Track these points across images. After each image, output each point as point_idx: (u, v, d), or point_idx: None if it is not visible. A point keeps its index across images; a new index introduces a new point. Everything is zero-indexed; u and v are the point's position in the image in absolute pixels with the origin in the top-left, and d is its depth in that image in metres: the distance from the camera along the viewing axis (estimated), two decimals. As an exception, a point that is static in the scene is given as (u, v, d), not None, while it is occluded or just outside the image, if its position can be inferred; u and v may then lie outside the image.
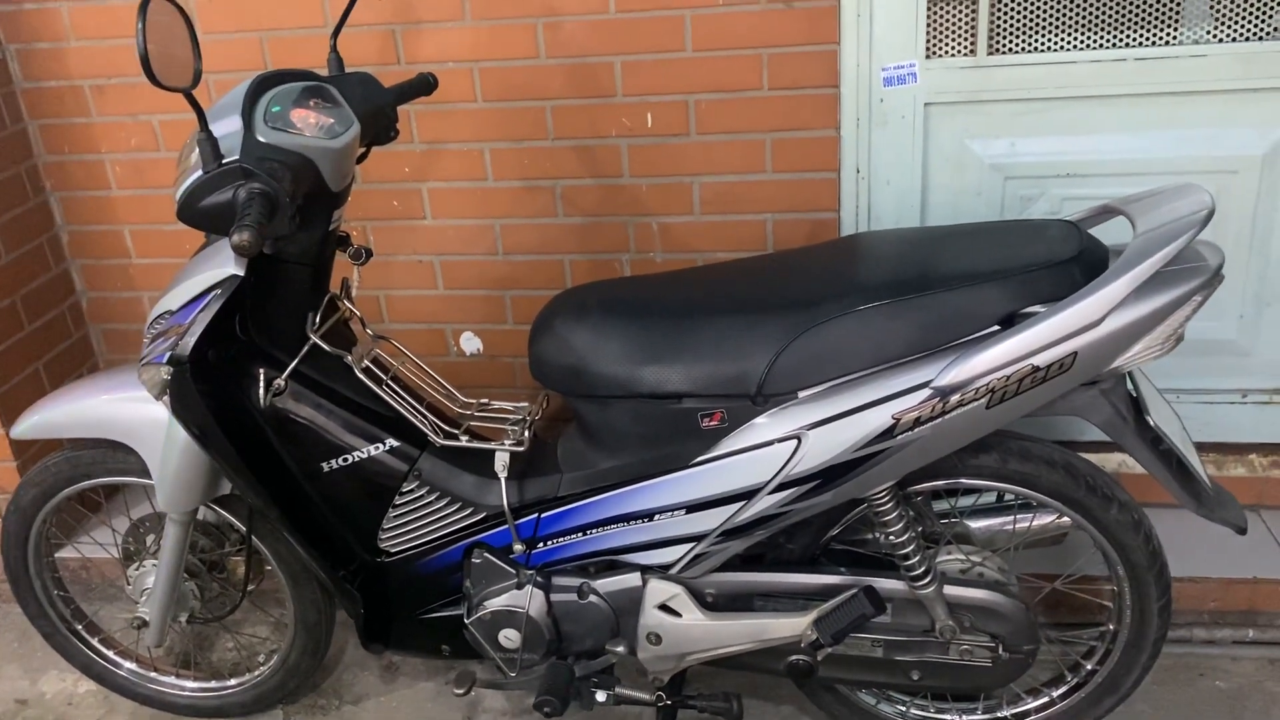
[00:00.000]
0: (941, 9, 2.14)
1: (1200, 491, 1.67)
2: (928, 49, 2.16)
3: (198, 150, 1.56)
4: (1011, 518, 1.82)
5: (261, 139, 1.57)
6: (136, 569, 2.10)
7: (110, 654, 2.28)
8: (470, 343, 2.60)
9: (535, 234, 2.45)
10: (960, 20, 2.14)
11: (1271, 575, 2.16)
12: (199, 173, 1.57)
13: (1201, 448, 2.33)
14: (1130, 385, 1.68)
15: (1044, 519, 1.81)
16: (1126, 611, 1.82)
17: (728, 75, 2.22)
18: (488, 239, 2.48)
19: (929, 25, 2.14)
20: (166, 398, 1.74)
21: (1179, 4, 2.06)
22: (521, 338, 2.50)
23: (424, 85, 1.94)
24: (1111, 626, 1.87)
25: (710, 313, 1.67)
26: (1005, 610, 1.76)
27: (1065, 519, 1.78)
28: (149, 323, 1.75)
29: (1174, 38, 2.08)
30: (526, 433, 1.85)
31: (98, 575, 2.61)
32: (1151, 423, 1.63)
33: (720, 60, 2.21)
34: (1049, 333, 1.49)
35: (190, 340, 1.66)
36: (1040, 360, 1.50)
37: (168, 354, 1.68)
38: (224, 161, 1.55)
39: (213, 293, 1.66)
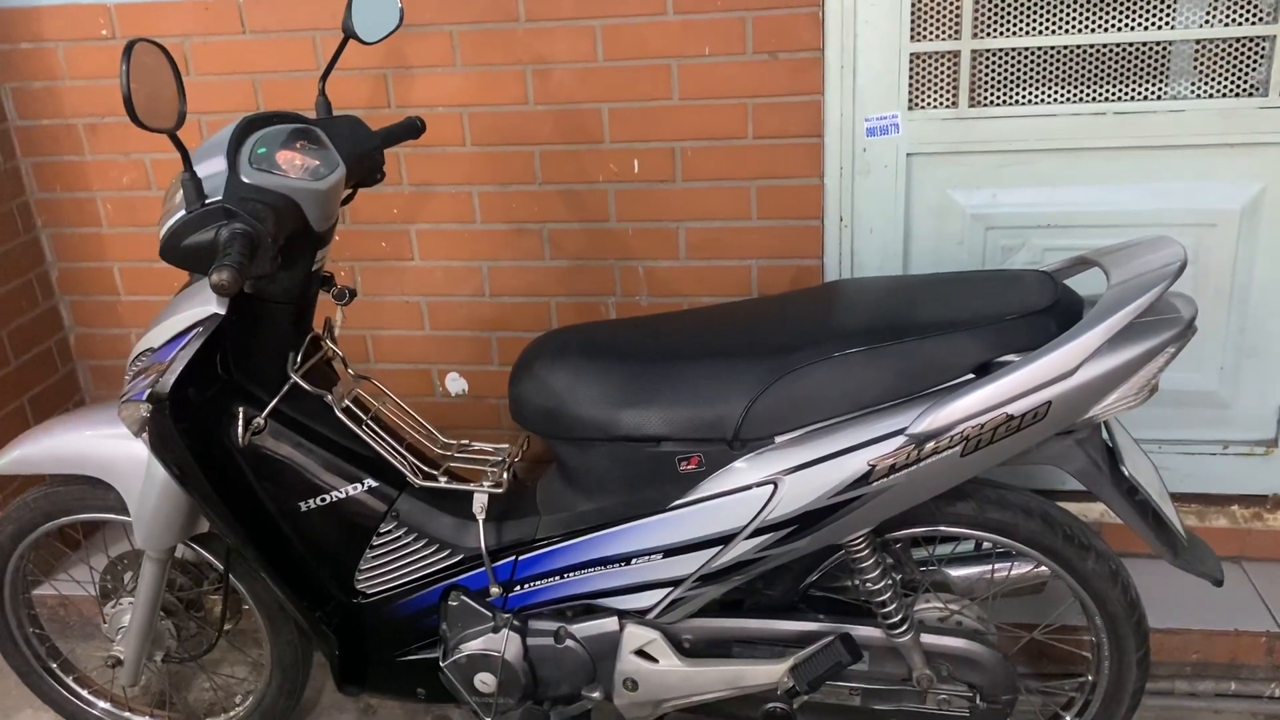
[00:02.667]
0: (924, 62, 2.17)
1: (1176, 542, 1.67)
2: (910, 100, 2.19)
3: (181, 190, 1.58)
4: (990, 566, 1.81)
5: (246, 180, 1.58)
6: (113, 606, 2.08)
7: (84, 693, 2.26)
8: (455, 383, 2.61)
9: (522, 276, 2.47)
10: (942, 73, 2.17)
11: (1254, 628, 2.15)
12: (182, 212, 1.58)
13: (1183, 499, 2.34)
14: (1106, 435, 1.68)
15: (1022, 568, 1.80)
16: (1105, 662, 1.81)
17: (714, 124, 2.25)
18: (475, 281, 2.49)
19: (911, 77, 2.18)
20: (146, 435, 1.74)
21: (1160, 60, 2.10)
22: (507, 379, 2.50)
23: (411, 129, 1.96)
24: (1091, 677, 1.86)
25: (689, 357, 1.68)
26: (983, 659, 1.76)
27: (1043, 568, 1.77)
28: (131, 359, 1.76)
29: (1153, 93, 2.12)
30: (505, 474, 1.85)
31: (75, 613, 2.59)
32: (1126, 473, 1.63)
33: (706, 109, 2.24)
34: (1023, 382, 1.50)
35: (170, 378, 1.67)
36: (1014, 409, 1.51)
37: (147, 391, 1.68)
38: (207, 202, 1.56)
39: (194, 331, 1.67)
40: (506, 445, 1.93)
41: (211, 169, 1.59)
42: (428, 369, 2.61)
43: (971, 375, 1.56)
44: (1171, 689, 2.20)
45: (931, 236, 2.28)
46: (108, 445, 1.91)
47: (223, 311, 1.65)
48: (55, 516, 2.04)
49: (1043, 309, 1.59)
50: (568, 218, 2.40)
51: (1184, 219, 2.17)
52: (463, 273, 2.49)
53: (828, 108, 2.21)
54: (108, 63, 2.43)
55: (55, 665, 2.25)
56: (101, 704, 2.25)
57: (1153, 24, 2.07)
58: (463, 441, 1.95)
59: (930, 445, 1.54)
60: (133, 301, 2.67)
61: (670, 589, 1.74)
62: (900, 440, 1.55)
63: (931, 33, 2.15)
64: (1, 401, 2.51)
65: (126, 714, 2.26)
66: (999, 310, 1.59)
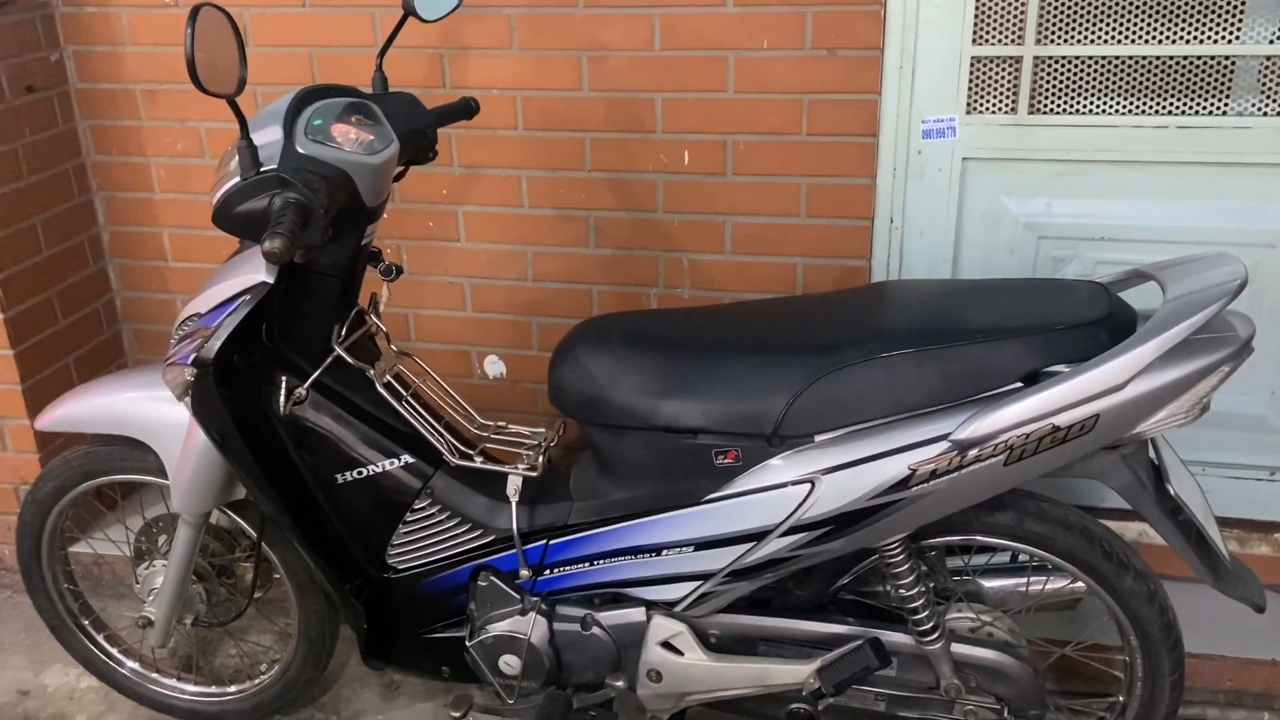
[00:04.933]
0: (985, 65, 2.14)
1: (1219, 566, 1.64)
2: (968, 104, 2.16)
3: (237, 157, 1.59)
4: (1025, 579, 1.79)
5: (301, 150, 1.59)
6: (146, 568, 2.11)
7: (114, 651, 2.29)
8: (494, 366, 2.61)
9: (565, 263, 2.47)
10: (1003, 78, 2.14)
11: (1291, 659, 2.11)
12: (236, 179, 1.59)
13: (1225, 523, 2.29)
14: (1152, 452, 1.65)
15: (1058, 583, 1.78)
16: (1138, 683, 1.78)
17: (767, 118, 2.24)
18: (518, 265, 2.49)
19: (971, 81, 2.15)
20: (188, 399, 1.76)
21: (1226, 75, 2.06)
22: (545, 364, 2.50)
23: (465, 109, 1.96)
24: (1121, 698, 1.83)
25: (731, 350, 1.67)
26: (1013, 672, 1.74)
27: (1079, 584, 1.75)
28: (177, 324, 1.77)
29: (1218, 108, 2.07)
30: (541, 458, 1.84)
31: (108, 572, 2.62)
32: (1172, 491, 1.60)
33: (761, 103, 2.23)
34: (1072, 393, 1.47)
35: (216, 344, 1.68)
36: (1061, 420, 1.48)
37: (193, 355, 1.70)
38: (262, 169, 1.57)
39: (241, 298, 1.68)
40: (543, 429, 1.93)
41: (267, 138, 1.60)
42: (467, 350, 2.62)
43: (1019, 384, 1.54)
44: (1203, 715, 2.16)
45: (982, 243, 2.25)
46: (149, 408, 1.93)
47: (271, 280, 1.67)
48: (95, 476, 2.07)
49: (1095, 320, 1.56)
50: (614, 206, 2.39)
51: (1243, 238, 2.12)
52: (507, 256, 2.49)
53: (884, 107, 2.19)
54: (168, 30, 2.46)
55: (87, 622, 2.28)
56: (130, 663, 2.28)
57: (1220, 37, 2.03)
58: (500, 423, 1.95)
59: (973, 452, 1.52)
60: (180, 267, 2.69)
61: (700, 583, 1.73)
62: (943, 446, 1.53)
63: (994, 37, 2.12)
64: (48, 360, 2.55)
65: (154, 675, 2.29)
66: (1050, 319, 1.57)
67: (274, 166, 1.57)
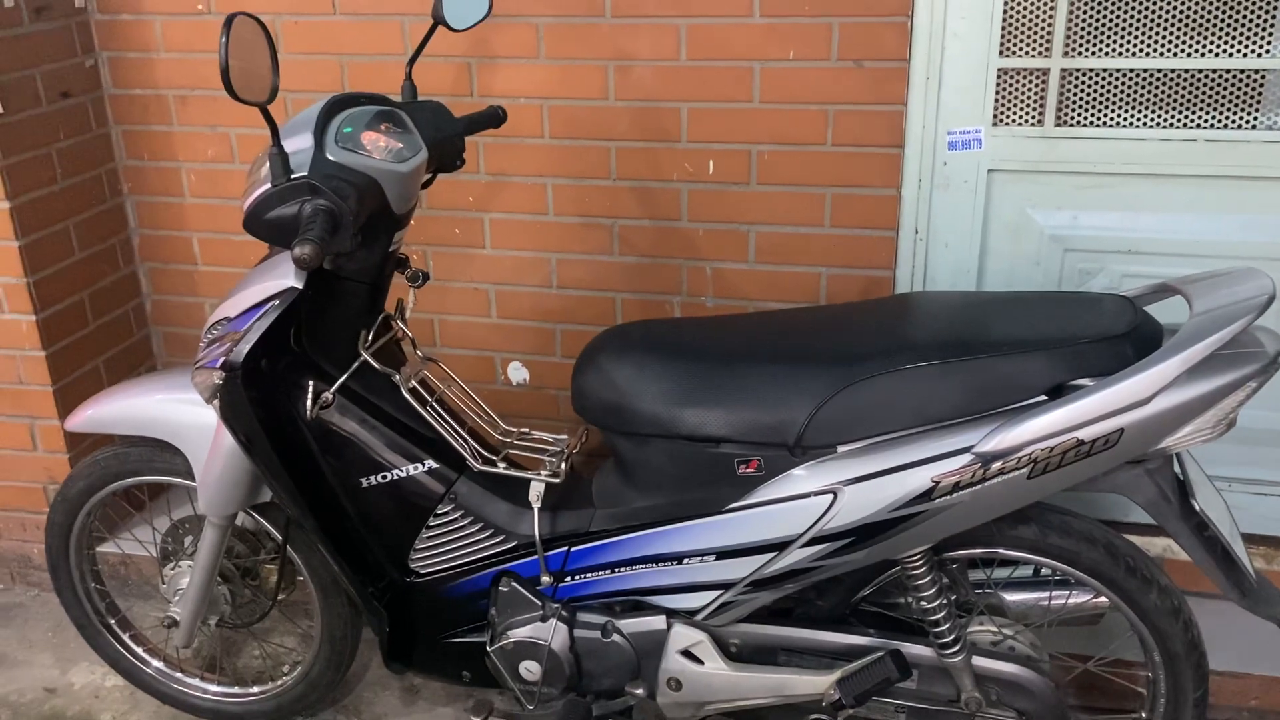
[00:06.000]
0: (1011, 78, 2.14)
1: (1244, 583, 1.62)
2: (995, 116, 2.16)
3: (268, 164, 1.61)
4: (1047, 593, 1.78)
5: (331, 158, 1.61)
6: (172, 569, 2.13)
7: (139, 651, 2.31)
8: (517, 372, 2.63)
9: (590, 270, 2.48)
10: (1030, 90, 2.14)
11: (1317, 677, 2.09)
12: (267, 185, 1.61)
13: (1251, 540, 2.28)
14: (1178, 467, 1.64)
15: (1080, 597, 1.77)
16: (1161, 700, 1.77)
17: (792, 128, 2.24)
18: (543, 272, 2.51)
19: (998, 93, 2.14)
20: (217, 402, 1.78)
21: (1256, 89, 2.04)
22: (568, 371, 2.50)
23: (493, 118, 1.97)
24: (1144, 715, 1.82)
25: (755, 359, 1.68)
26: (1034, 687, 1.73)
27: (1102, 599, 1.74)
28: (206, 327, 1.80)
29: (1247, 122, 2.06)
30: (563, 465, 1.85)
31: (135, 572, 2.65)
32: (1197, 507, 1.59)
33: (786, 113, 2.23)
34: (1097, 407, 1.47)
35: (245, 347, 1.70)
36: (1086, 434, 1.48)
37: (222, 359, 1.72)
38: (293, 176, 1.59)
39: (271, 303, 1.70)
40: (565, 436, 1.94)
41: (298, 145, 1.62)
42: (491, 356, 2.63)
43: (1044, 396, 1.53)
44: (1227, 733, 2.15)
45: (1007, 255, 2.25)
46: (178, 410, 1.96)
47: (300, 286, 1.68)
48: (123, 477, 2.10)
49: (1121, 334, 1.55)
50: (639, 214, 2.40)
51: (1271, 253, 2.10)
52: (532, 263, 2.51)
53: (910, 119, 2.19)
54: (200, 37, 2.49)
55: (113, 621, 2.31)
56: (155, 663, 2.31)
57: (1250, 51, 2.02)
58: (523, 430, 1.96)
59: (997, 465, 1.51)
60: (209, 271, 2.72)
61: (721, 592, 1.74)
62: (967, 458, 1.52)
63: (1021, 49, 2.11)
64: (78, 361, 2.58)
65: (178, 675, 2.31)
66: (1075, 332, 1.56)
67: (305, 174, 1.59)
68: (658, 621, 1.79)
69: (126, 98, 2.60)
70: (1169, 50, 2.05)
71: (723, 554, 1.71)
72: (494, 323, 2.59)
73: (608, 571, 1.81)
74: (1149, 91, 2.10)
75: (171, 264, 2.75)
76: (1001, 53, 2.12)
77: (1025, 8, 2.09)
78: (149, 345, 2.84)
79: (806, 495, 1.62)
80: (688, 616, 1.78)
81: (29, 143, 2.39)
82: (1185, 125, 2.09)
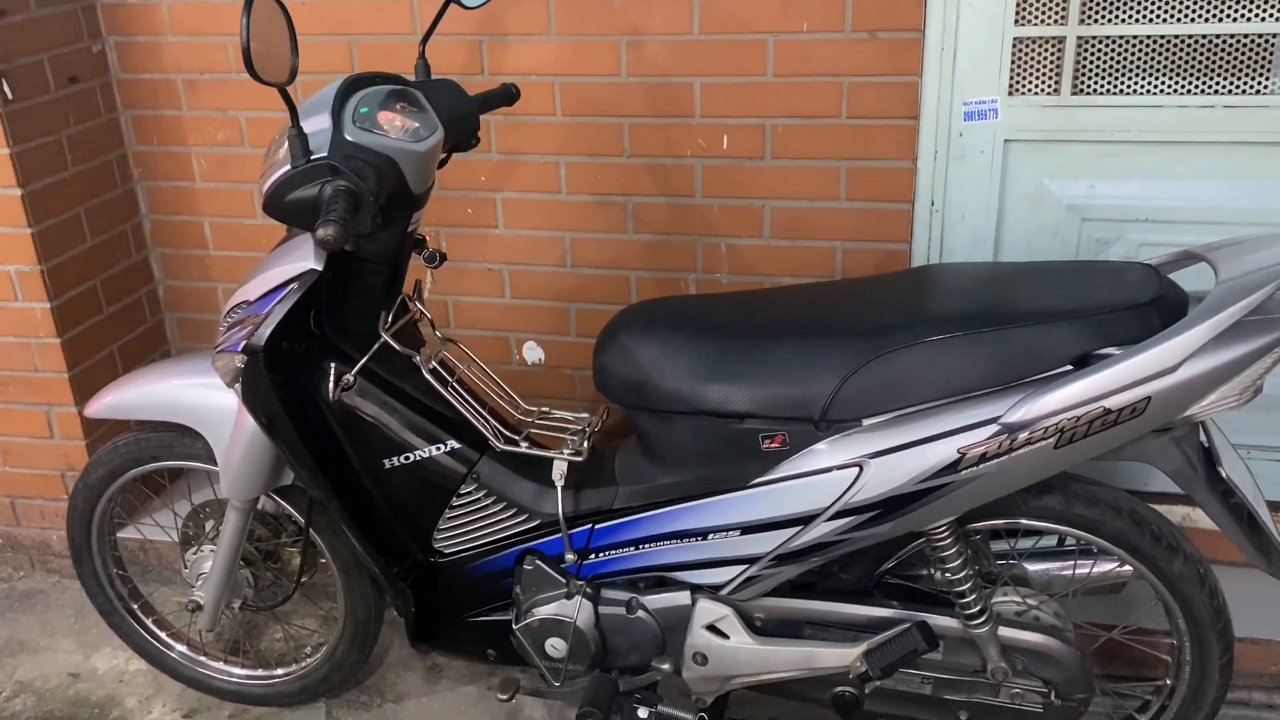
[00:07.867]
0: (1027, 47, 2.12)
1: (1271, 549, 1.63)
2: (1011, 85, 2.14)
3: (287, 145, 1.60)
4: (1072, 563, 1.79)
5: (349, 138, 1.60)
6: (194, 553, 2.14)
7: (163, 635, 2.32)
8: (532, 352, 2.62)
9: (604, 248, 2.47)
10: (1045, 59, 2.12)
11: (1339, 643, 2.10)
12: (287, 167, 1.60)
13: (1274, 507, 2.27)
14: (1203, 435, 1.64)
15: (1105, 566, 1.77)
16: (1185, 667, 1.78)
17: (807, 101, 2.23)
18: (557, 251, 2.50)
19: (1013, 62, 2.13)
20: (238, 385, 1.78)
21: (1273, 53, 2.03)
22: (583, 350, 2.52)
23: (507, 96, 1.96)
24: (1169, 682, 1.83)
25: (778, 335, 1.67)
26: (1060, 656, 1.73)
27: (1126, 568, 1.74)
28: (226, 311, 1.79)
29: (1265, 87, 2.05)
30: (586, 443, 1.85)
31: (156, 557, 2.66)
32: (1223, 474, 1.59)
33: (800, 86, 2.22)
34: (1123, 375, 1.46)
35: (266, 330, 1.70)
36: (1112, 403, 1.47)
37: (243, 342, 1.72)
38: (313, 158, 1.58)
39: (291, 285, 1.70)
40: (587, 414, 1.93)
41: (316, 126, 1.61)
42: (506, 336, 2.63)
43: (1070, 366, 1.53)
44: (1248, 699, 2.15)
45: (1025, 226, 2.24)
46: (197, 394, 1.96)
47: (320, 268, 1.68)
48: (143, 462, 2.10)
49: (1146, 302, 1.55)
50: (653, 191, 2.39)
51: (1291, 218, 2.10)
52: (545, 242, 2.50)
53: (925, 90, 2.17)
54: (209, 20, 2.47)
55: (136, 606, 2.32)
56: (179, 647, 2.32)
57: (1268, 15, 2.00)
58: (544, 409, 1.96)
59: (1023, 436, 1.51)
60: (221, 256, 2.72)
61: (745, 566, 1.74)
62: (993, 429, 1.52)
63: (1036, 17, 2.10)
64: (92, 349, 2.58)
65: (202, 658, 2.32)
66: (1101, 302, 1.56)
67: (324, 155, 1.58)
68: (682, 597, 1.79)
69: (135, 82, 2.59)
70: (1185, 16, 2.04)
71: (748, 529, 1.71)
72: (508, 303, 2.59)
73: (632, 548, 1.81)
74: (1166, 58, 2.08)
75: (183, 249, 2.74)
76: (1017, 21, 2.10)
77: (1041, -25, 2.08)
78: (162, 331, 2.84)
79: (831, 469, 1.62)
80: (712, 591, 1.78)
81: (39, 129, 2.38)
82: (1203, 91, 2.08)
